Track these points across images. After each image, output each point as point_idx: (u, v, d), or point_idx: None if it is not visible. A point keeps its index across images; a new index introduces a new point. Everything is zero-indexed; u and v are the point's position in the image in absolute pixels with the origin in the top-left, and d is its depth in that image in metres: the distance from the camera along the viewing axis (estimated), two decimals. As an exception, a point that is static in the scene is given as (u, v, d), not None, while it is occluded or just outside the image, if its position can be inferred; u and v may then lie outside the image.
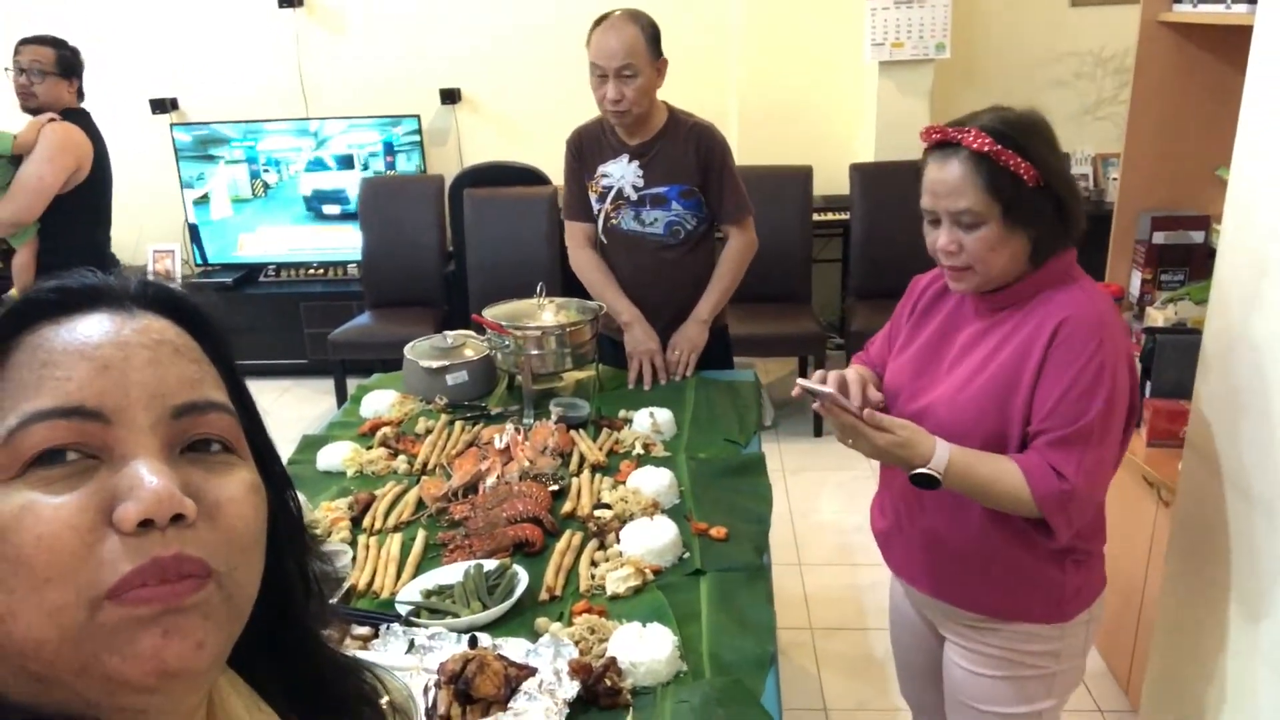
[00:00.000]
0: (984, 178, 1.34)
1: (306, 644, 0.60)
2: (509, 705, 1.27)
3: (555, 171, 4.81)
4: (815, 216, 4.50)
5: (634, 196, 2.48)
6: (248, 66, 5.01)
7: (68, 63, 3.24)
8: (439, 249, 4.46)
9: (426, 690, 1.28)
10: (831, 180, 4.60)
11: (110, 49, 4.91)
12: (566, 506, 1.84)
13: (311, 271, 5.04)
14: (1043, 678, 1.52)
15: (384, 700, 0.66)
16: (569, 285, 4.30)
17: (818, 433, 4.07)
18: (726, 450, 2.08)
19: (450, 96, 4.93)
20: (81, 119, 3.30)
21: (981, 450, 1.40)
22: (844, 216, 4.48)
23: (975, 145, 1.34)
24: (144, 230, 5.23)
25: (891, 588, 1.77)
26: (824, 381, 1.46)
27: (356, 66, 4.96)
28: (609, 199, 2.51)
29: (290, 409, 4.42)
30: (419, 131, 4.83)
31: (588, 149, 2.53)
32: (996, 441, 1.41)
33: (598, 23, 2.35)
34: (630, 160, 2.46)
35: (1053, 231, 1.40)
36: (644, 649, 1.36)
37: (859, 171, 4.33)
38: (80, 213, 3.29)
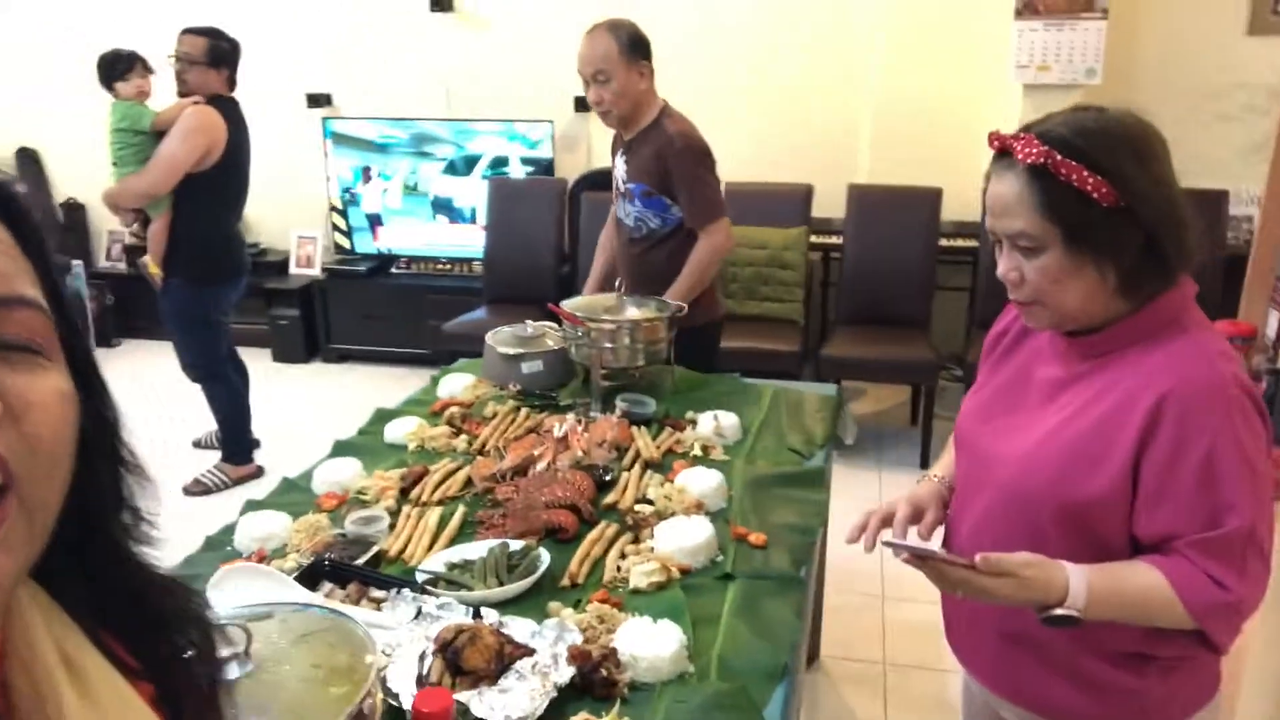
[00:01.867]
0: (1039, 195, 1.12)
1: (117, 558, 0.58)
2: (498, 681, 1.24)
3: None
4: (943, 241, 4.31)
5: (621, 188, 2.72)
6: (398, 66, 5.24)
7: (218, 53, 3.46)
8: (556, 249, 4.52)
9: (422, 657, 1.27)
10: (963, 205, 4.40)
11: (274, 45, 5.24)
12: (609, 498, 1.80)
13: (440, 266, 5.21)
14: None
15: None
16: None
17: (924, 464, 3.88)
18: (788, 460, 2.00)
19: (584, 104, 5.00)
20: (225, 106, 3.51)
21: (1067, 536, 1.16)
22: (974, 244, 4.28)
23: (1024, 156, 1.12)
24: (291, 216, 5.55)
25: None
26: (892, 520, 1.31)
27: (498, 71, 5.11)
28: (615, 187, 2.79)
29: (403, 395, 4.56)
30: (551, 136, 4.92)
31: (615, 138, 2.80)
32: (1070, 521, 1.17)
33: (586, 34, 2.59)
34: (622, 154, 2.71)
35: (1145, 265, 1.13)
36: (649, 644, 1.31)
37: (859, 194, 4.15)
38: (210, 191, 3.49)
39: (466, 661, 1.23)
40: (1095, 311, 1.17)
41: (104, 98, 3.59)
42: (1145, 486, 1.13)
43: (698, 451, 2.02)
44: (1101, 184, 1.10)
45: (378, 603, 1.42)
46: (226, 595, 1.26)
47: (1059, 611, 1.11)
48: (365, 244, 5.33)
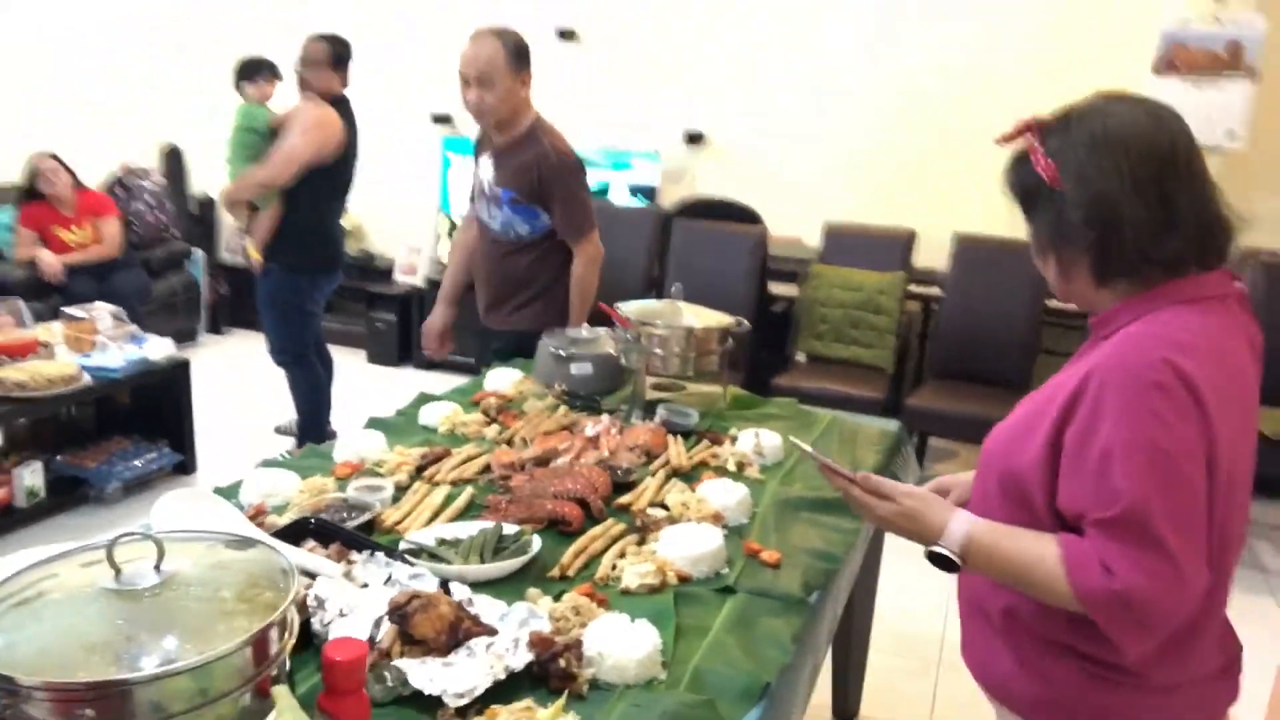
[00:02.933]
0: (1013, 169, 1.20)
1: None
2: (447, 654, 1.16)
3: (775, 215, 4.76)
4: (1051, 302, 4.06)
5: (487, 191, 2.69)
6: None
7: (336, 56, 3.59)
8: (646, 275, 4.47)
9: (378, 622, 1.20)
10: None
11: (406, 64, 5.45)
12: (625, 499, 1.70)
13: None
14: None
15: None
16: (762, 322, 4.18)
17: None
18: (827, 486, 1.85)
19: (694, 139, 4.99)
20: (340, 105, 3.64)
21: (1005, 504, 1.17)
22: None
23: (1014, 132, 1.19)
24: (403, 226, 5.71)
25: None
26: None
27: (614, 100, 5.16)
28: (476, 187, 2.76)
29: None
30: (658, 165, 4.92)
31: (481, 140, 2.78)
32: (1008, 491, 1.18)
33: (471, 37, 2.59)
34: (489, 157, 2.68)
35: (1108, 252, 1.12)
36: (618, 642, 1.20)
37: (963, 244, 3.90)
38: (320, 185, 3.60)
39: (415, 628, 1.15)
40: (1079, 293, 1.19)
41: (237, 100, 3.79)
42: (1063, 461, 1.11)
43: (731, 467, 1.91)
44: (1048, 166, 1.14)
45: (350, 562, 1.36)
46: (171, 517, 1.22)
47: (935, 548, 1.16)
48: (467, 258, 5.42)
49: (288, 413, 4.11)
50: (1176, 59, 3.73)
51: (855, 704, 2.55)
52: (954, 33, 4.42)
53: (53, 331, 3.57)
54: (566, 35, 5.11)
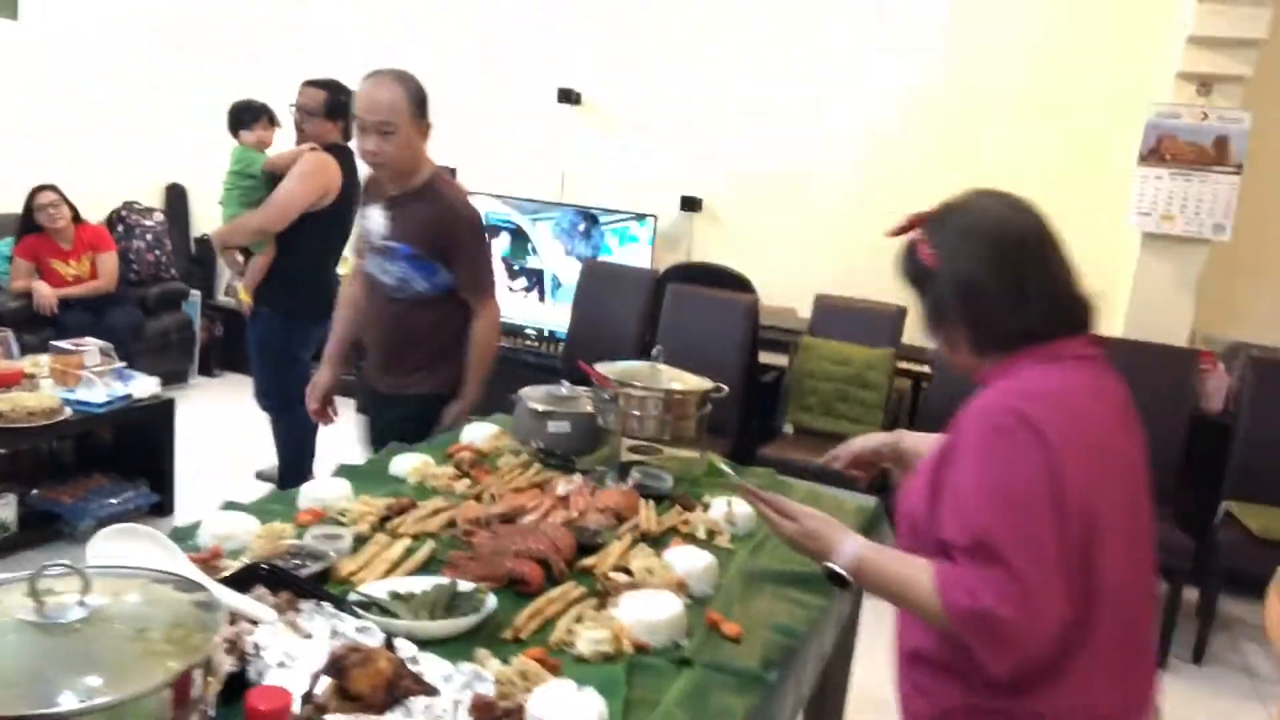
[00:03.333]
0: (904, 254, 1.37)
1: None
2: (383, 713, 1.12)
3: (769, 284, 4.79)
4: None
5: (378, 244, 2.52)
6: (521, 149, 5.44)
7: (334, 105, 3.63)
8: (637, 337, 4.48)
9: (317, 676, 1.17)
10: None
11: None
12: (589, 561, 1.67)
13: (528, 342, 5.26)
14: None
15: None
16: (751, 391, 4.17)
17: None
18: (798, 560, 1.82)
19: (690, 204, 5.05)
20: (341, 154, 3.68)
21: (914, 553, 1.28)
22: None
23: (902, 226, 1.37)
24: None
25: None
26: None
27: (610, 164, 5.24)
28: (364, 240, 2.61)
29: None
30: (654, 231, 4.97)
31: (369, 189, 2.63)
32: (908, 529, 1.33)
33: (367, 77, 2.44)
34: (383, 208, 2.51)
35: (977, 326, 1.29)
36: (562, 710, 1.17)
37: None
38: (316, 232, 3.62)
39: (352, 684, 1.12)
40: (962, 362, 1.34)
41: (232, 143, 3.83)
42: (936, 498, 1.25)
43: (701, 534, 1.88)
44: (931, 254, 1.31)
45: (296, 610, 1.33)
46: (111, 552, 1.20)
47: (828, 564, 1.31)
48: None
49: (271, 458, 4.08)
50: (1164, 150, 3.79)
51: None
52: (948, 111, 4.50)
53: (40, 364, 3.56)
54: (568, 96, 5.20)
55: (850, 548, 1.30)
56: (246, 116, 3.84)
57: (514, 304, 5.31)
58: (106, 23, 5.69)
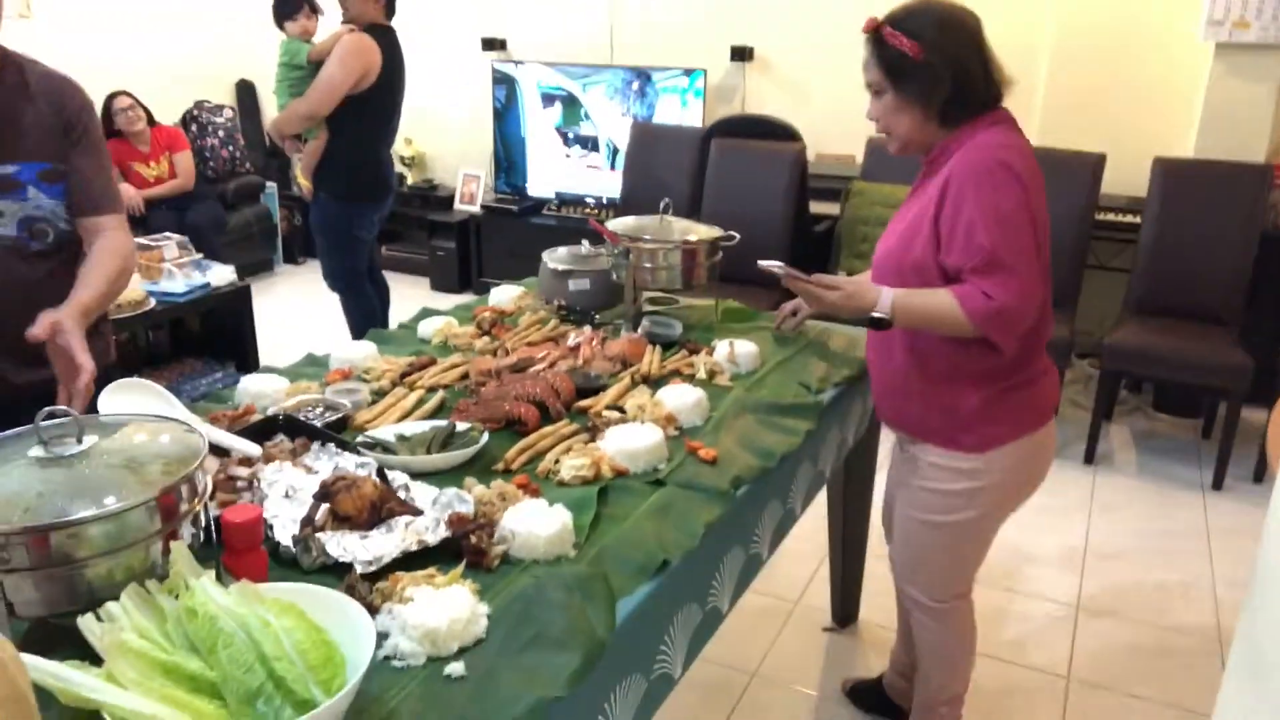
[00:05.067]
0: (878, 53, 1.65)
1: None
2: (369, 530, 1.29)
3: (826, 132, 4.69)
4: (1101, 215, 3.93)
5: None
6: (568, 13, 5.36)
7: None
8: (689, 196, 4.49)
9: (315, 504, 1.33)
10: (1129, 177, 3.99)
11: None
12: (586, 403, 1.80)
13: (587, 210, 5.33)
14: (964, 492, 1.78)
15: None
16: (803, 241, 4.16)
17: (1217, 485, 3.44)
18: (792, 393, 1.91)
19: (741, 54, 4.93)
20: (381, 33, 3.72)
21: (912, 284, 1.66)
22: (1136, 219, 3.87)
23: (866, 27, 1.65)
24: (461, 155, 5.84)
25: None
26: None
27: (658, 19, 5.12)
28: None
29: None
30: (704, 85, 4.89)
31: None
32: (909, 277, 1.66)
33: None
34: None
35: (953, 101, 1.62)
36: (530, 521, 1.31)
37: (1165, 168, 3.70)
38: (362, 114, 3.72)
39: (339, 506, 1.28)
40: (925, 137, 1.68)
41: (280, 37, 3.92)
42: (942, 240, 1.62)
43: (702, 375, 1.97)
44: (914, 45, 1.60)
45: (299, 449, 1.50)
46: (118, 403, 1.37)
47: (873, 314, 1.65)
48: (521, 184, 5.53)
49: (347, 337, 4.34)
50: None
51: (854, 608, 2.62)
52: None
53: (127, 260, 3.84)
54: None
55: (887, 297, 1.64)
56: (288, 8, 3.91)
57: (571, 172, 5.36)
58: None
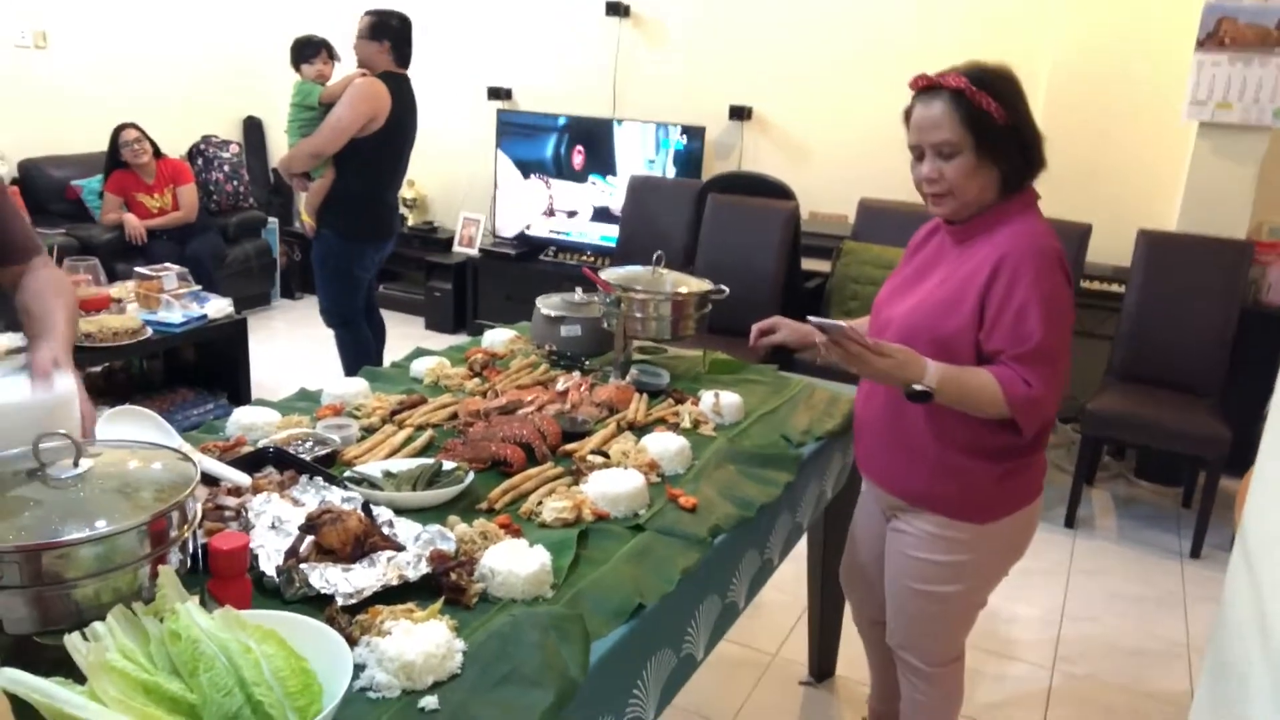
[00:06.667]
0: (960, 112, 1.60)
1: None
2: (352, 563, 1.31)
3: (819, 191, 4.80)
4: (1085, 283, 4.01)
5: None
6: (572, 65, 5.49)
7: (378, 27, 3.77)
8: (685, 248, 4.57)
9: (300, 535, 1.36)
10: (1112, 247, 4.09)
11: (462, 40, 5.64)
12: (571, 446, 1.83)
13: (584, 256, 5.40)
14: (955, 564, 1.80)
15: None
16: (794, 297, 4.23)
17: (1195, 553, 3.47)
18: (773, 444, 1.95)
19: (739, 113, 5.05)
20: (394, 80, 3.82)
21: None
22: (1119, 289, 3.95)
23: (954, 84, 1.60)
24: (462, 198, 5.93)
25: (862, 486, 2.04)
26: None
27: (662, 76, 5.25)
28: None
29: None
30: (702, 141, 5.00)
31: None
32: (939, 348, 1.64)
33: None
34: None
35: (1018, 168, 1.65)
36: (509, 560, 1.34)
37: (1149, 240, 3.79)
38: (369, 156, 3.80)
39: (323, 539, 1.31)
40: (984, 200, 1.66)
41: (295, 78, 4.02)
42: (987, 319, 1.62)
43: (687, 424, 2.01)
44: (999, 108, 1.60)
45: (286, 482, 1.53)
46: (116, 430, 1.41)
47: (918, 386, 1.59)
48: (519, 229, 5.61)
49: (340, 373, 4.37)
50: (1224, 34, 3.62)
51: (832, 663, 2.64)
52: (997, 6, 4.36)
53: (126, 289, 3.88)
54: (616, 9, 5.22)
55: (933, 369, 1.60)
56: (307, 51, 4.02)
57: (569, 220, 5.44)
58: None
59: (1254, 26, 3.60)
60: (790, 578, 2.76)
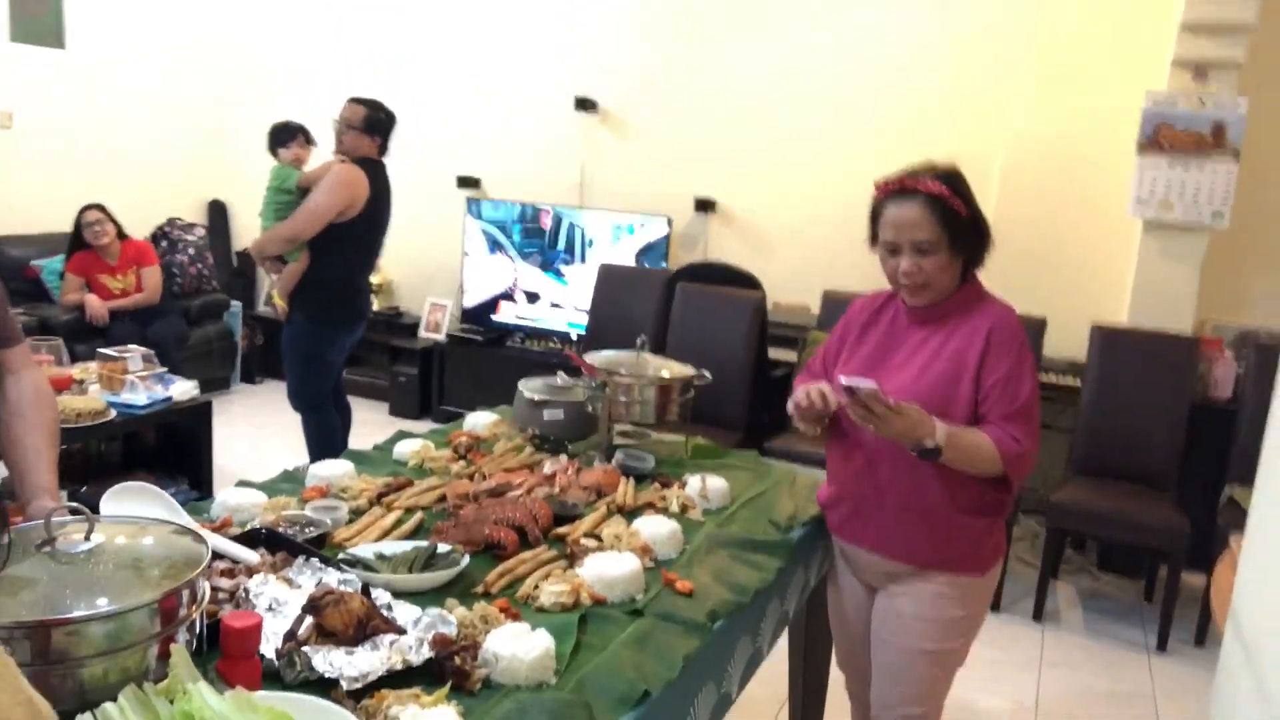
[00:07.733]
0: (938, 214, 1.78)
1: None
2: (355, 646, 1.29)
3: (783, 282, 4.92)
4: (1042, 377, 4.13)
5: None
6: (542, 156, 5.63)
7: (373, 121, 3.85)
8: (654, 336, 4.61)
9: (300, 617, 1.33)
10: (1066, 340, 4.23)
11: (430, 129, 5.76)
12: (563, 530, 1.83)
13: (551, 344, 5.43)
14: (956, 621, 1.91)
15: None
16: (761, 386, 4.29)
17: (1161, 646, 3.50)
18: (762, 530, 1.96)
19: (704, 205, 5.19)
20: (371, 167, 3.87)
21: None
22: (1076, 383, 4.07)
23: (934, 190, 1.78)
24: (428, 284, 5.96)
25: (837, 566, 2.11)
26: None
27: (629, 169, 5.40)
28: None
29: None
30: (669, 232, 5.13)
31: None
32: (939, 416, 1.77)
33: None
34: None
35: (978, 255, 1.86)
36: (512, 646, 1.32)
37: (1102, 335, 3.93)
38: (345, 242, 3.83)
39: (326, 621, 1.28)
40: (951, 288, 1.85)
41: (271, 162, 4.07)
42: (984, 386, 1.80)
43: (675, 508, 2.02)
44: (963, 205, 1.79)
45: (279, 564, 1.50)
46: (122, 507, 1.38)
47: (928, 443, 1.73)
48: (487, 315, 5.64)
49: (303, 457, 4.30)
50: (1162, 139, 3.85)
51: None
52: (951, 106, 4.59)
53: (89, 370, 3.81)
54: (584, 104, 5.38)
55: (942, 429, 1.73)
56: (284, 136, 4.08)
57: (536, 307, 5.50)
58: (148, 51, 6.00)
59: (1189, 133, 3.83)
60: (770, 670, 2.73)
